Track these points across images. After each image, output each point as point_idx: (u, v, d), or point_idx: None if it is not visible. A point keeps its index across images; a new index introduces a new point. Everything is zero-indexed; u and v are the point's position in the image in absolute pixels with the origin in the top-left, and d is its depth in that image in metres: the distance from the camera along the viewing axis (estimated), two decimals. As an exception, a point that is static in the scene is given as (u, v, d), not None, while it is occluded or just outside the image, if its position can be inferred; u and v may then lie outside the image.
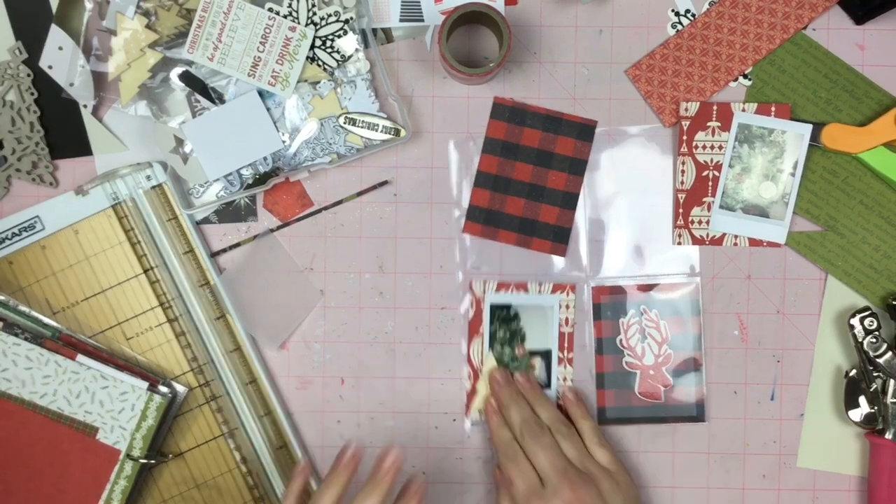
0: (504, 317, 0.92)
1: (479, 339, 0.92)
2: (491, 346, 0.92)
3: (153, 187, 0.91)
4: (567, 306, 0.91)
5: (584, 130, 0.92)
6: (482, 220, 0.92)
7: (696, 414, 0.92)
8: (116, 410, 0.88)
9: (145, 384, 0.88)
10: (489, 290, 0.92)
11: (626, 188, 0.92)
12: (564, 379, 0.91)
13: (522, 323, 0.92)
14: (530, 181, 0.92)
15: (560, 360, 0.92)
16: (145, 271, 0.91)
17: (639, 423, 0.92)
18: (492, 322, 0.92)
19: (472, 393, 0.92)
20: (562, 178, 0.92)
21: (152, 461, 0.88)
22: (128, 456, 0.87)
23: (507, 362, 0.92)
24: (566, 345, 0.92)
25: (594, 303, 0.92)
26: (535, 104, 0.92)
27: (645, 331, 0.92)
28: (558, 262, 0.92)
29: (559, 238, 0.92)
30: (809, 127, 0.90)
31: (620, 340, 0.92)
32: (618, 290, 0.92)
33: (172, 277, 0.91)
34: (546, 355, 0.92)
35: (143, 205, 0.91)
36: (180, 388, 0.90)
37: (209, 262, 0.91)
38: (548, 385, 0.91)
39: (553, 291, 0.92)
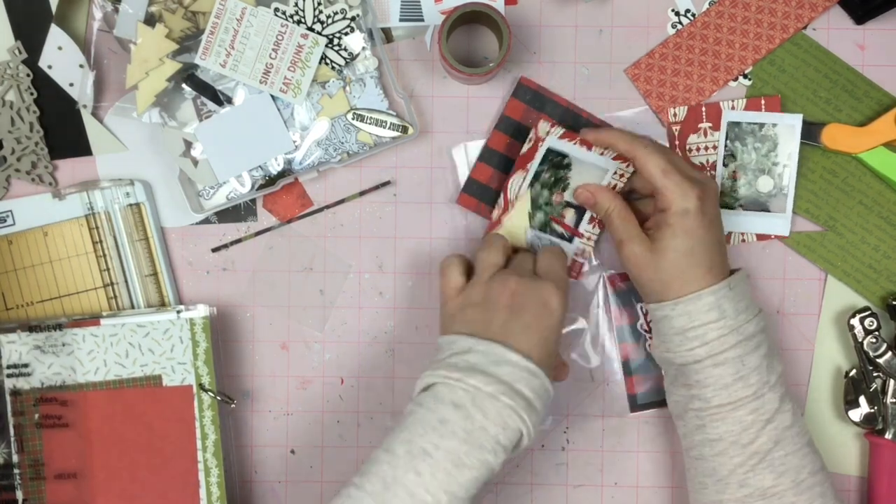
0: (557, 162, 0.89)
1: (522, 174, 0.90)
2: (532, 184, 0.90)
3: (130, 205, 0.91)
4: (622, 175, 0.88)
5: None
6: (478, 195, 0.92)
7: None
8: (168, 350, 0.88)
9: (175, 313, 0.88)
10: (553, 135, 0.89)
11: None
12: (590, 238, 0.90)
13: (572, 174, 0.89)
14: None
15: (591, 220, 0.90)
16: (105, 286, 0.91)
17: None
18: (542, 162, 0.90)
19: (495, 223, 0.90)
20: None
21: (228, 399, 0.88)
22: (200, 387, 0.87)
23: (540, 204, 0.90)
24: None
25: (612, 290, 0.92)
26: (536, 104, 0.92)
27: None
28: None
29: None
30: (800, 116, 0.90)
31: (640, 325, 0.92)
32: None
33: (131, 297, 0.91)
34: (579, 210, 0.90)
35: (117, 220, 0.90)
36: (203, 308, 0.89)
37: (170, 287, 0.91)
38: (570, 240, 0.90)
39: (615, 158, 0.88)
